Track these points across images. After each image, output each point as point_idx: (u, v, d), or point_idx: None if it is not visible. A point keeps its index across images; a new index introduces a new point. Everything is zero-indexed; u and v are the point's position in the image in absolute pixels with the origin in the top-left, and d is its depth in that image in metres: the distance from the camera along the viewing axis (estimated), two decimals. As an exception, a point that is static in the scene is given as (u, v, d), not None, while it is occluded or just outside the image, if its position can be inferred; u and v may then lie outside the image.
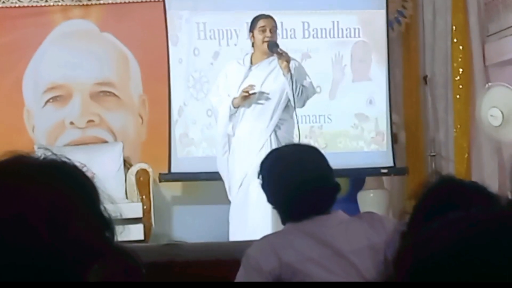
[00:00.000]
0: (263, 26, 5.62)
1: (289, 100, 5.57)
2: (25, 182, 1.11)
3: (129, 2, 7.58)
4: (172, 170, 7.20)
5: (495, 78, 7.26)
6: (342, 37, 7.36)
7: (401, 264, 0.89)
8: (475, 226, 0.86)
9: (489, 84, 7.01)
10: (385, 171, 7.34)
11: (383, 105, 7.35)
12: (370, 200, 7.41)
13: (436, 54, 7.73)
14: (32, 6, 7.50)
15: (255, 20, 5.69)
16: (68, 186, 1.13)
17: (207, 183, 7.01)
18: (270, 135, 5.55)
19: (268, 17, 5.70)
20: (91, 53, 7.54)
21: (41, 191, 1.10)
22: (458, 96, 7.61)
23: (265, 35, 5.60)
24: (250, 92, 5.47)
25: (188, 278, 3.21)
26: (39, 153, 1.18)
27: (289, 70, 5.45)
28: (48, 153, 1.18)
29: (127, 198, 7.06)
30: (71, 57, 7.49)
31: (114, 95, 7.60)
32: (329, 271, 2.53)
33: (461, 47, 7.59)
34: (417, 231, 0.91)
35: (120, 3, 7.58)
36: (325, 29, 7.34)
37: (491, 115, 6.62)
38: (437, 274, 0.83)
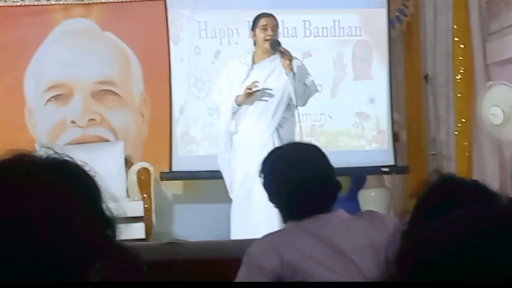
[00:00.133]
0: (264, 25, 5.62)
1: (291, 99, 5.58)
2: (27, 180, 1.11)
3: (130, 1, 7.58)
4: (173, 169, 7.20)
5: (496, 77, 7.26)
6: (343, 35, 7.36)
7: (402, 262, 0.89)
8: (476, 224, 0.86)
9: (490, 82, 7.01)
10: (386, 169, 7.34)
11: (384, 104, 7.35)
12: (371, 198, 7.41)
13: (437, 52, 7.73)
14: (33, 5, 7.50)
15: (256, 19, 5.69)
16: (70, 184, 1.13)
17: (208, 181, 7.01)
18: (272, 134, 5.56)
19: (270, 15, 5.70)
20: (92, 51, 7.54)
21: (43, 189, 1.10)
22: (459, 95, 7.61)
23: (267, 34, 5.60)
24: (254, 89, 5.47)
25: (189, 277, 3.21)
26: (41, 152, 1.19)
27: (292, 69, 5.45)
28: (50, 152, 1.18)
29: (128, 196, 7.06)
30: (72, 56, 7.49)
31: (115, 93, 7.60)
32: (330, 269, 2.53)
33: (462, 46, 7.58)
34: (418, 230, 0.91)
35: (121, 2, 7.59)
36: (326, 28, 7.34)
37: (492, 114, 6.62)
38: (438, 272, 0.84)
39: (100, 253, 1.10)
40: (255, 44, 5.70)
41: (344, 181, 6.48)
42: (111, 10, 7.60)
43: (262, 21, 5.64)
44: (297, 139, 5.57)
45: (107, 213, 1.16)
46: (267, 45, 5.60)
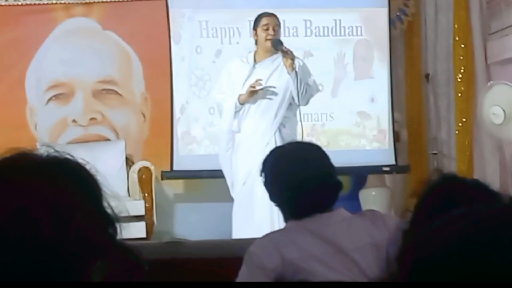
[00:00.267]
0: (266, 24, 5.62)
1: (293, 98, 5.57)
2: (29, 178, 1.11)
3: (131, 0, 7.59)
4: (174, 168, 7.20)
5: (497, 76, 7.26)
6: (344, 35, 7.36)
7: (403, 261, 0.89)
8: (477, 223, 0.86)
9: (491, 82, 7.01)
10: (387, 169, 7.34)
11: (385, 103, 7.35)
12: (372, 198, 7.41)
13: (438, 52, 7.73)
14: (34, 4, 7.50)
15: (258, 18, 5.69)
16: (71, 182, 1.14)
17: (209, 180, 7.01)
18: (274, 133, 5.55)
19: (271, 15, 5.70)
20: (94, 51, 7.55)
21: (44, 187, 1.10)
22: (460, 94, 7.61)
23: (268, 33, 5.59)
24: (258, 87, 5.47)
25: (190, 276, 3.21)
26: (42, 150, 1.19)
27: (294, 69, 5.45)
28: (51, 150, 1.18)
29: (129, 195, 7.07)
30: (73, 55, 7.49)
31: (117, 93, 7.60)
32: (331, 268, 2.53)
33: (463, 45, 7.59)
34: (419, 229, 0.92)
35: (123, 1, 7.59)
36: (327, 27, 7.34)
37: (493, 113, 6.62)
38: (439, 271, 0.84)
39: (102, 252, 1.10)
40: (256, 43, 5.70)
41: (345, 180, 6.47)
42: (112, 9, 7.60)
43: (264, 21, 5.64)
44: (299, 138, 5.57)
45: (109, 211, 1.16)
46: (268, 44, 5.60)
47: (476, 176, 7.13)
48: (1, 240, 1.06)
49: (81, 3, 7.57)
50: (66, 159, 1.18)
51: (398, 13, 7.70)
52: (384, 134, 7.36)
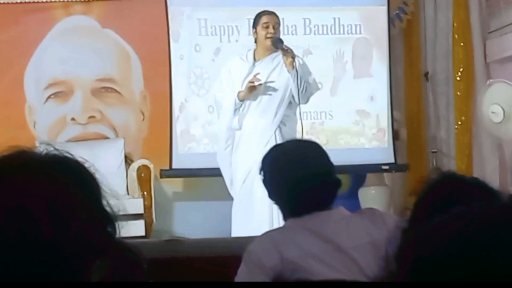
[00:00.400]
0: (266, 22, 5.61)
1: (292, 97, 5.58)
2: (28, 176, 1.11)
3: (130, -2, 7.59)
4: (173, 166, 7.20)
5: (496, 75, 7.26)
6: (343, 33, 7.36)
7: (403, 260, 0.89)
8: (477, 222, 0.86)
9: (490, 81, 7.01)
10: (386, 167, 7.34)
11: (384, 102, 7.35)
12: (371, 196, 7.41)
13: (437, 50, 7.73)
14: (33, 2, 7.50)
15: (258, 16, 5.69)
16: (71, 180, 1.13)
17: (208, 179, 7.01)
18: (274, 132, 5.55)
19: (271, 13, 5.70)
20: (93, 49, 7.54)
21: (43, 185, 1.10)
22: (459, 93, 7.61)
23: (268, 31, 5.59)
24: (256, 83, 5.47)
25: (190, 274, 3.21)
26: (41, 148, 1.19)
27: (294, 67, 5.45)
28: (50, 148, 1.18)
29: (128, 194, 7.07)
30: (72, 53, 7.49)
31: (116, 91, 7.60)
32: (330, 267, 2.53)
33: (462, 44, 7.59)
34: (418, 227, 0.91)
35: (122, -1, 7.60)
36: (326, 26, 7.34)
37: (492, 112, 6.62)
38: (438, 270, 0.84)
39: (101, 250, 1.10)
40: (256, 41, 5.70)
41: (344, 178, 6.47)
42: (111, 8, 7.60)
43: (264, 19, 5.64)
44: (299, 137, 5.57)
45: (108, 209, 1.16)
46: (268, 42, 5.59)
47: (476, 174, 7.12)
48: (0, 238, 1.06)
49: (80, 1, 7.56)
50: (65, 157, 1.18)
51: (397, 12, 7.70)
52: (383, 132, 7.36)
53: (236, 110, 5.57)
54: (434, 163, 7.50)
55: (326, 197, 2.66)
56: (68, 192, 1.12)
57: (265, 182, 2.73)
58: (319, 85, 6.17)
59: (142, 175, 7.15)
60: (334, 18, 7.34)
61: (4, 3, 7.45)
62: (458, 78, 7.60)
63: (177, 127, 7.21)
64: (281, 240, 2.58)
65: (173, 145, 7.20)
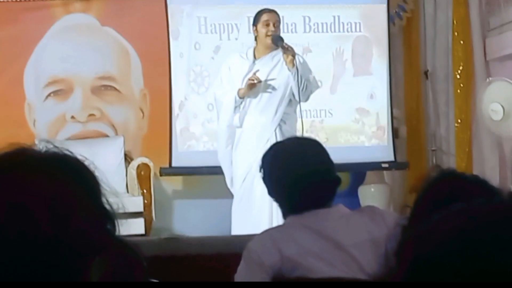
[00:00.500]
0: (266, 20, 5.61)
1: (293, 95, 5.57)
2: (28, 174, 1.11)
3: (130, -4, 7.59)
4: (173, 164, 7.20)
5: (496, 73, 7.26)
6: (343, 31, 7.36)
7: (403, 256, 0.89)
8: (476, 218, 0.86)
9: (490, 78, 7.01)
10: (386, 165, 7.34)
11: (384, 100, 7.36)
12: (371, 194, 7.41)
13: (437, 48, 7.73)
14: (33, 0, 7.50)
15: (258, 14, 5.68)
16: (70, 178, 1.13)
17: (208, 177, 7.01)
18: (275, 130, 5.55)
19: (272, 11, 5.69)
20: (92, 47, 7.54)
21: (43, 183, 1.10)
22: (459, 91, 7.61)
23: (269, 29, 5.59)
24: (256, 81, 5.46)
25: (189, 272, 3.21)
26: (41, 146, 1.18)
27: (294, 65, 5.45)
28: (50, 146, 1.18)
29: (128, 192, 7.06)
30: (72, 51, 7.49)
31: (115, 89, 7.60)
32: (330, 264, 2.53)
33: (462, 42, 7.59)
34: (418, 225, 0.91)
35: (121, -3, 7.60)
36: (326, 24, 7.34)
37: (492, 110, 6.62)
38: (438, 266, 0.83)
39: (100, 247, 1.10)
40: (256, 39, 5.69)
41: (344, 176, 6.47)
42: (111, 5, 7.59)
43: (264, 17, 5.63)
44: (299, 135, 5.56)
45: (107, 207, 1.16)
46: (269, 40, 5.59)
47: (475, 172, 7.13)
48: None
49: (80, -1, 7.57)
50: (65, 155, 1.18)
51: (397, 10, 7.70)
52: (383, 130, 7.36)
53: (236, 107, 5.57)
54: (434, 161, 7.50)
55: (325, 195, 2.66)
56: (68, 189, 1.11)
57: (265, 179, 2.73)
58: (319, 83, 6.17)
59: (142, 173, 7.15)
60: (334, 16, 7.34)
61: (3, 1, 7.45)
62: (457, 76, 7.61)
63: (177, 125, 7.21)
64: (281, 238, 2.58)
65: (172, 143, 7.20)
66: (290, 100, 5.62)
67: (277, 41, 5.56)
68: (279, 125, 5.58)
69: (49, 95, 7.52)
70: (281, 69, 5.57)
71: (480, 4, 7.53)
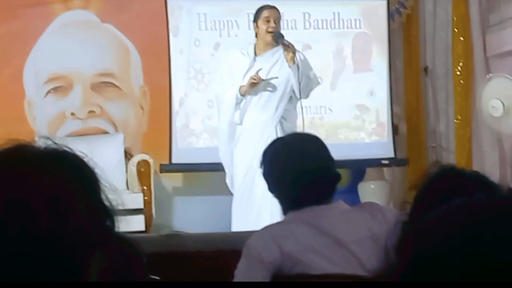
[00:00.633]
0: (267, 17, 5.61)
1: (293, 92, 5.57)
2: (27, 170, 1.11)
3: (129, -7, 7.59)
4: (173, 161, 7.20)
5: (496, 69, 7.26)
6: (343, 28, 7.36)
7: (403, 252, 0.89)
8: (476, 214, 0.86)
9: (490, 75, 7.01)
10: (385, 162, 7.34)
11: (384, 96, 7.35)
12: (370, 191, 7.41)
13: (436, 45, 7.73)
14: (33, -3, 7.50)
15: (259, 11, 5.68)
16: (70, 175, 1.13)
17: (208, 173, 7.02)
18: (275, 126, 5.55)
19: (273, 7, 5.69)
20: (92, 43, 7.54)
21: (43, 179, 1.10)
22: (458, 88, 7.61)
23: (269, 26, 5.59)
24: (258, 80, 5.46)
25: (189, 269, 3.21)
26: (40, 143, 1.18)
27: (295, 62, 5.45)
28: (49, 143, 1.18)
29: (128, 189, 7.06)
30: (72, 48, 7.48)
31: (115, 85, 7.60)
32: (330, 260, 2.53)
33: (461, 38, 7.59)
34: (418, 220, 0.91)
35: (121, -6, 7.59)
36: (326, 20, 7.33)
37: (492, 106, 6.62)
38: (438, 262, 0.83)
39: (100, 243, 1.10)
40: (256, 36, 5.69)
41: (344, 173, 6.47)
42: (111, 2, 7.59)
43: (265, 13, 5.63)
44: (299, 131, 5.56)
45: (107, 203, 1.16)
46: (269, 37, 5.59)
47: (475, 169, 7.11)
48: (-1, 232, 1.06)
49: (80, -5, 7.57)
50: (65, 151, 1.18)
51: (396, 6, 7.70)
52: (383, 127, 7.36)
53: (237, 104, 5.57)
54: (434, 158, 7.50)
55: (325, 191, 2.66)
56: (67, 186, 1.11)
57: (265, 175, 2.73)
58: (319, 80, 6.17)
59: (142, 169, 7.15)
60: (334, 13, 7.34)
61: (3, -3, 7.45)
62: (457, 73, 7.60)
63: (177, 122, 7.21)
64: (281, 234, 2.58)
65: (172, 140, 7.20)
66: (290, 97, 5.62)
67: (278, 38, 5.56)
68: (280, 121, 5.58)
69: (49, 91, 7.52)
70: (281, 66, 5.57)
71: (480, 1, 7.52)
